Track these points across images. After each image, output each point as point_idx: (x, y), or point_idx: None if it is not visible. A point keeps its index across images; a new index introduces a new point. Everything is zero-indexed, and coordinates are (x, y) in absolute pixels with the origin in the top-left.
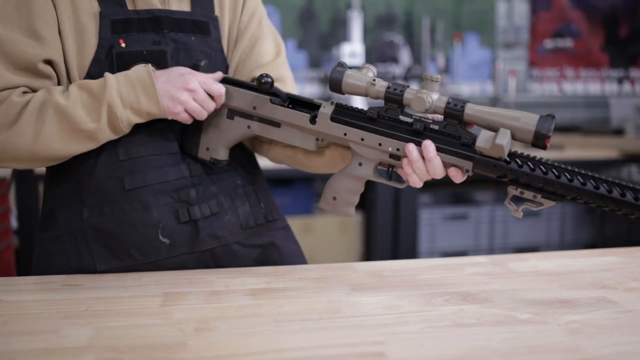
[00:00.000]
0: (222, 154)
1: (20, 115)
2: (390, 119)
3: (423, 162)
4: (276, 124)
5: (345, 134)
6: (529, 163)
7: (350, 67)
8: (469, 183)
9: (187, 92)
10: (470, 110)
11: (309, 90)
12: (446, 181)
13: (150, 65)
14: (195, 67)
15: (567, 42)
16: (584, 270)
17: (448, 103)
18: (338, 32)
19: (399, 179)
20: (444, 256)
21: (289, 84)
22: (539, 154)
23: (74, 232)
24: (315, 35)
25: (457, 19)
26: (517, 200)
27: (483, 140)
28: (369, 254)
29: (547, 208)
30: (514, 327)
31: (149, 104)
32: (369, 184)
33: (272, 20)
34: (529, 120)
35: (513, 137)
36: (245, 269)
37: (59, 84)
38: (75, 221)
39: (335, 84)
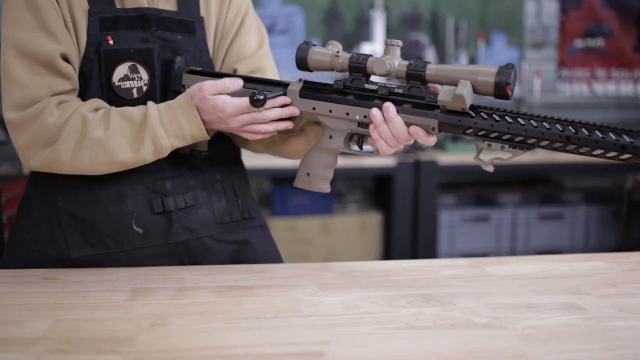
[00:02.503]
0: (202, 146)
1: (54, 143)
2: (357, 88)
3: (387, 126)
4: None
5: (314, 108)
6: (493, 115)
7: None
8: (492, 184)
9: (220, 116)
10: (432, 70)
11: None
12: (470, 182)
13: (189, 93)
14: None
15: (598, 42)
16: (563, 275)
17: (409, 64)
18: (362, 31)
19: (370, 150)
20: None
21: (269, 76)
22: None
23: (49, 219)
24: (339, 35)
25: (484, 19)
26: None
27: (444, 93)
28: (388, 254)
29: (570, 211)
30: (467, 331)
31: (192, 129)
32: (387, 184)
33: (296, 20)
34: (487, 72)
35: (475, 91)
36: (219, 266)
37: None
38: (50, 209)
39: (301, 62)
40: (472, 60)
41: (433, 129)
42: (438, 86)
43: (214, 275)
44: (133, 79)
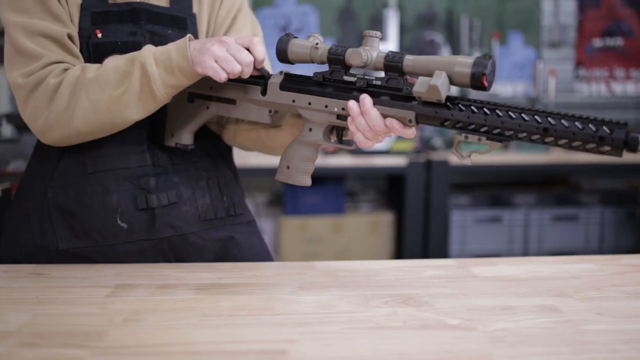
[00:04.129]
0: (187, 139)
1: (55, 93)
2: (336, 80)
3: (364, 118)
4: (232, 101)
5: (293, 101)
6: (471, 107)
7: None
8: (509, 185)
9: (218, 43)
10: (409, 61)
11: None
12: (487, 182)
13: (189, 34)
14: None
15: (617, 41)
16: (548, 277)
17: (387, 56)
18: (377, 31)
19: (349, 143)
20: None
21: None
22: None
23: (40, 210)
24: (354, 35)
25: (500, 18)
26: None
27: (419, 84)
28: (399, 254)
29: (585, 213)
30: (437, 332)
31: (179, 59)
32: (399, 183)
33: (311, 20)
34: (463, 62)
35: (452, 82)
36: (205, 264)
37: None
38: (41, 200)
39: (281, 54)
40: None
41: (410, 120)
42: (414, 77)
43: (197, 273)
44: None
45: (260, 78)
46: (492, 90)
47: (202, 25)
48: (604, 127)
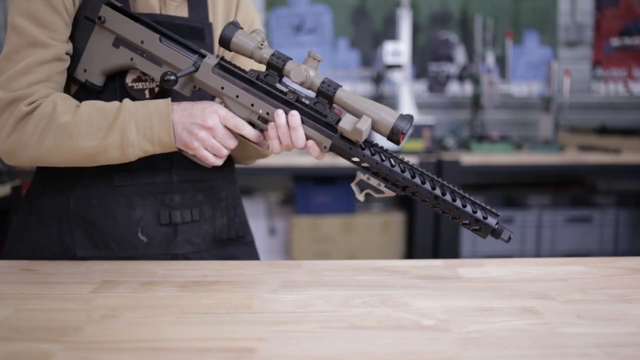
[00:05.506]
0: (98, 80)
1: (24, 125)
2: (268, 84)
3: (288, 130)
4: (158, 62)
5: (222, 88)
6: (381, 154)
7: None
8: (524, 186)
9: (205, 130)
10: (341, 94)
11: (361, 89)
12: (498, 183)
13: (170, 99)
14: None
15: (636, 40)
16: (534, 279)
17: (323, 82)
18: (390, 30)
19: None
20: None
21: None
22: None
23: (58, 217)
24: (368, 34)
25: (516, 17)
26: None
27: (346, 122)
28: (410, 254)
29: (599, 214)
30: (409, 332)
31: (161, 132)
32: None
33: (324, 19)
34: (389, 116)
35: (373, 128)
36: (193, 262)
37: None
38: (60, 208)
39: (224, 40)
40: (501, 59)
41: (325, 147)
42: (340, 108)
43: (184, 271)
44: (145, 80)
45: (196, 53)
46: (506, 89)
47: (218, 34)
48: (480, 212)
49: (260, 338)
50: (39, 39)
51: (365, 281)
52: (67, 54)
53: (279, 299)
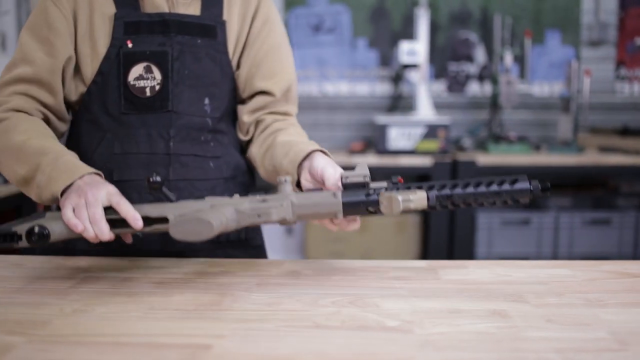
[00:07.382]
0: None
1: None
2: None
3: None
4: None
5: None
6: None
7: None
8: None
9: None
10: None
11: (380, 89)
12: None
13: (101, 175)
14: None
15: None
16: (514, 281)
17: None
18: (409, 30)
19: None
20: None
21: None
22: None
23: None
24: (387, 34)
25: (538, 16)
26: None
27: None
28: (425, 255)
29: (619, 217)
30: (370, 333)
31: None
32: None
33: (343, 19)
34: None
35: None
36: (177, 259)
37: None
38: None
39: None
40: (520, 59)
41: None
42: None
43: (167, 268)
44: (147, 79)
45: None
46: (526, 89)
47: (232, 32)
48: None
49: (220, 335)
50: (30, 55)
51: (340, 281)
52: (64, 65)
53: (251, 297)
